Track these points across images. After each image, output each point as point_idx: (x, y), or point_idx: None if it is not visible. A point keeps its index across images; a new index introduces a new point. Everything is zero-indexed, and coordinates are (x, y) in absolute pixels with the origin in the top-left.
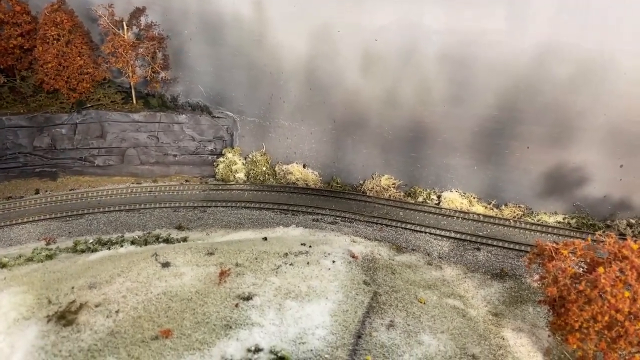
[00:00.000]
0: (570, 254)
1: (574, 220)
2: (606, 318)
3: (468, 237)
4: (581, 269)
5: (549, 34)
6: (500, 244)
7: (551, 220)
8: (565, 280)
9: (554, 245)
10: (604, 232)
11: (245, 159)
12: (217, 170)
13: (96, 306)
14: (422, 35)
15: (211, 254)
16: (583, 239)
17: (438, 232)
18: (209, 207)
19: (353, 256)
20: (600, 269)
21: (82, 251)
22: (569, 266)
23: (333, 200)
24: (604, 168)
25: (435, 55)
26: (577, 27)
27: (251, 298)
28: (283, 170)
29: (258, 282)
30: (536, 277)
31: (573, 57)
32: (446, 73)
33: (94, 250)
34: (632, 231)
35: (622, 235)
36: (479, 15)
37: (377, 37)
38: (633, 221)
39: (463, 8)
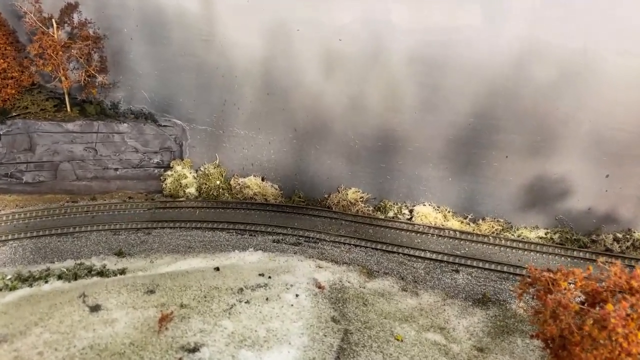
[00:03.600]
0: (569, 285)
1: (556, 235)
2: None
3: (445, 257)
4: (578, 299)
5: (529, 32)
6: (481, 264)
7: (532, 235)
8: (567, 319)
9: (551, 275)
10: (607, 261)
11: (196, 172)
12: (164, 185)
13: None
14: (390, 34)
15: (151, 292)
16: (577, 258)
17: (412, 252)
18: (155, 228)
19: (319, 286)
20: (609, 307)
21: None
22: (570, 301)
23: (295, 217)
24: (588, 179)
25: (405, 56)
26: (559, 24)
27: (198, 349)
28: (239, 184)
29: (207, 328)
30: (524, 305)
31: (555, 58)
32: (417, 76)
33: (12, 289)
34: (620, 246)
35: (609, 251)
36: (452, 11)
37: (341, 36)
38: (620, 235)
39: (433, 3)
